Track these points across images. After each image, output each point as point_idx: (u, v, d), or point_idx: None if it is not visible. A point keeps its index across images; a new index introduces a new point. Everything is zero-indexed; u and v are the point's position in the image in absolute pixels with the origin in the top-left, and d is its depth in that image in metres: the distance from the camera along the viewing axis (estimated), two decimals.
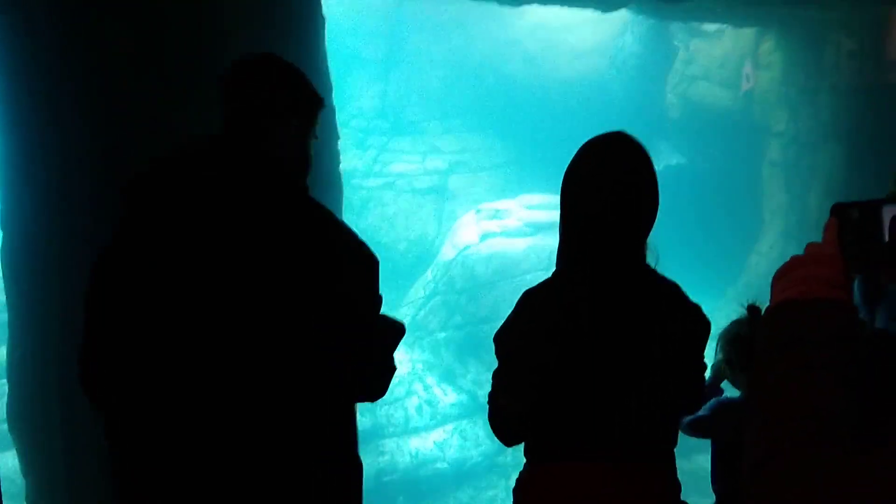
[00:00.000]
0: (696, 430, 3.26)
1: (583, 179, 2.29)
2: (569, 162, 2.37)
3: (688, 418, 3.17)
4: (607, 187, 2.25)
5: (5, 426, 4.64)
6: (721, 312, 13.65)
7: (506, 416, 2.28)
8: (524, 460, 2.42)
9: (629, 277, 2.28)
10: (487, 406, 2.39)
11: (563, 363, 2.20)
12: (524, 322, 2.27)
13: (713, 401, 3.27)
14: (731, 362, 3.17)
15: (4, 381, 4.57)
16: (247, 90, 2.11)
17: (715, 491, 3.23)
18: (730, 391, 3.36)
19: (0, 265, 4.43)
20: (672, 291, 2.33)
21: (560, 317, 2.21)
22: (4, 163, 4.23)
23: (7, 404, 4.51)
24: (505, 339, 2.30)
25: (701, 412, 3.24)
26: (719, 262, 13.19)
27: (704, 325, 2.36)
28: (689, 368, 2.36)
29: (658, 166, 2.36)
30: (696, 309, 2.35)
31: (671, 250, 2.47)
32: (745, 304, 3.05)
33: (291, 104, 2.15)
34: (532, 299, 2.29)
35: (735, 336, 3.20)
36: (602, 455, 2.23)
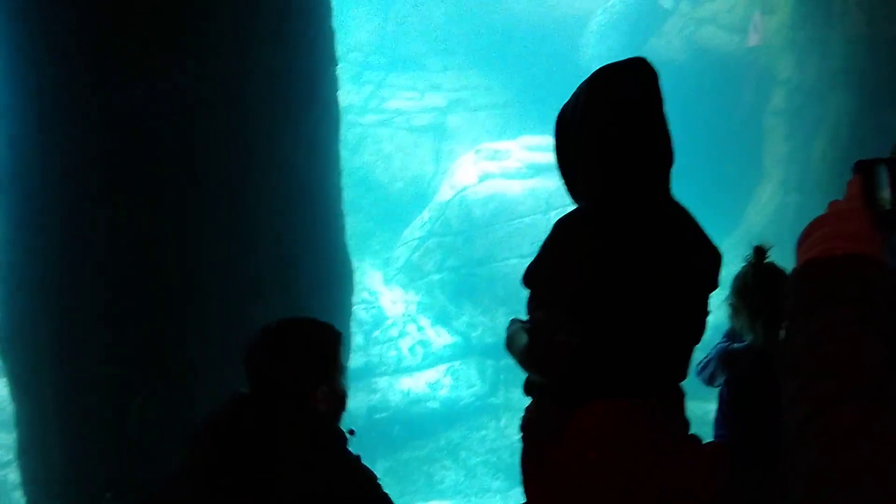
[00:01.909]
0: (700, 374, 3.25)
1: (617, 103, 2.22)
2: (585, 88, 2.28)
3: (698, 368, 3.17)
4: (646, 112, 2.20)
5: None
6: None
7: (562, 353, 2.18)
8: (517, 401, 2.38)
9: (663, 206, 2.24)
10: (515, 344, 2.32)
11: (607, 294, 2.15)
12: (562, 251, 2.20)
13: (718, 346, 3.24)
14: (736, 308, 3.15)
15: None
16: (274, 372, 2.20)
17: (718, 436, 3.22)
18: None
19: None
20: (693, 221, 2.30)
21: (603, 246, 2.15)
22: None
23: None
24: (541, 272, 2.23)
25: (706, 357, 3.22)
26: (716, 212, 13.10)
27: (718, 256, 2.35)
28: (706, 300, 2.32)
29: None
30: (709, 238, 2.34)
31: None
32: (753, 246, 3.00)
33: (321, 374, 2.23)
34: (568, 228, 2.22)
35: (735, 282, 3.17)
36: (643, 389, 2.22)
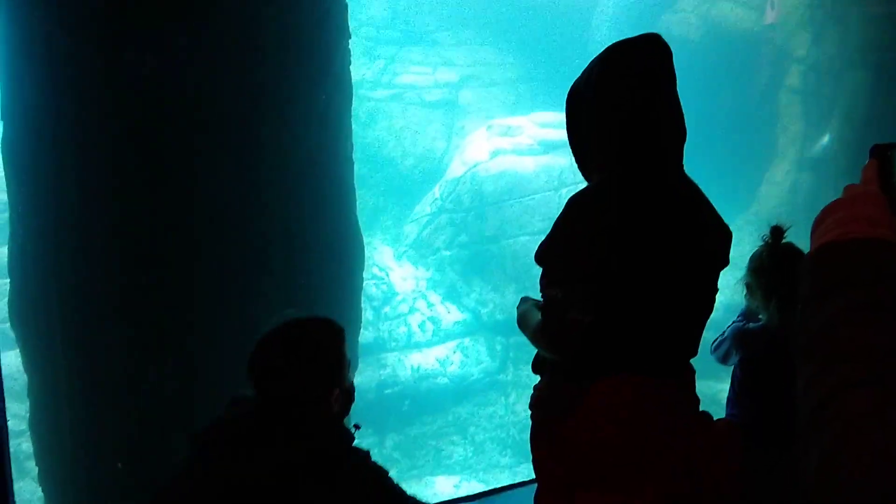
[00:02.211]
0: (715, 353, 3.25)
1: (631, 80, 2.20)
2: (598, 64, 2.26)
3: (712, 344, 3.17)
4: (659, 88, 2.19)
5: (7, 325, 4.61)
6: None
7: (576, 330, 2.18)
8: (526, 378, 2.39)
9: (675, 182, 2.23)
10: (527, 322, 2.32)
11: (620, 269, 2.14)
12: (576, 228, 2.19)
13: (730, 327, 3.24)
14: (751, 287, 3.14)
15: (6, 280, 4.51)
16: (286, 384, 2.14)
17: (730, 415, 3.22)
18: None
19: (1, 159, 4.34)
20: (705, 198, 2.30)
21: (616, 223, 2.14)
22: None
23: (8, 302, 4.48)
24: (554, 249, 2.22)
25: (721, 336, 3.22)
26: (730, 190, 13.04)
27: (728, 232, 2.35)
28: (717, 278, 2.32)
29: None
30: (720, 216, 2.35)
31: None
32: (770, 225, 2.99)
33: (332, 378, 2.18)
34: (582, 206, 2.21)
35: (751, 262, 3.16)
36: (654, 367, 2.22)
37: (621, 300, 2.19)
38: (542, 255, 2.25)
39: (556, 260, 2.24)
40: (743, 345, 3.16)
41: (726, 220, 2.46)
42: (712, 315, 2.46)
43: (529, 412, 2.44)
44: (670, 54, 2.24)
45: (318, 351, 2.18)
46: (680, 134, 2.27)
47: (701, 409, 2.49)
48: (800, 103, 12.54)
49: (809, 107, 12.29)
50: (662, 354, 2.26)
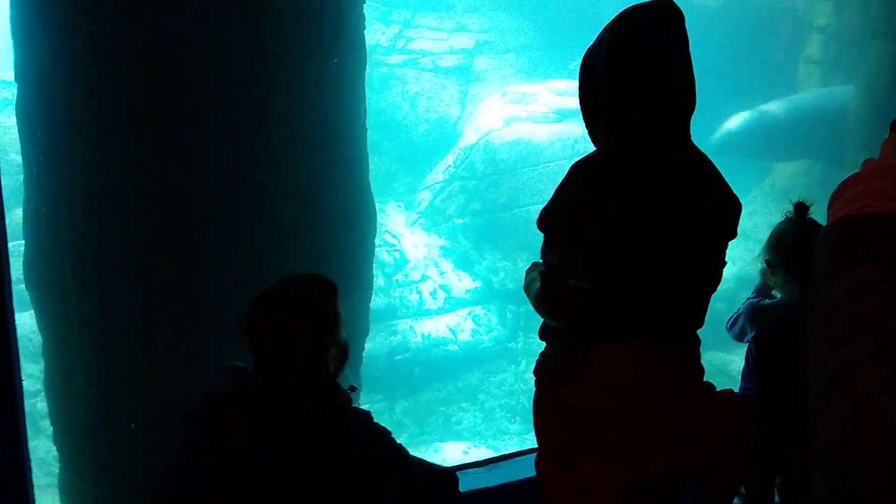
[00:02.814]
0: (731, 329, 3.25)
1: (642, 50, 2.18)
2: (609, 31, 2.24)
3: (728, 321, 3.18)
4: (672, 58, 2.17)
5: (22, 286, 4.64)
6: (745, 211, 13.48)
7: (574, 297, 2.17)
8: (536, 346, 2.41)
9: (684, 152, 2.23)
10: (531, 288, 2.33)
11: (626, 240, 2.14)
12: (582, 196, 2.18)
13: (745, 303, 3.23)
14: (772, 264, 3.13)
15: (22, 241, 4.53)
16: (289, 343, 2.11)
17: (743, 389, 3.22)
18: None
19: (16, 121, 4.35)
20: (714, 168, 2.30)
21: (622, 191, 2.13)
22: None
23: (24, 264, 4.51)
24: (558, 215, 2.21)
25: (736, 312, 3.22)
26: (745, 162, 12.94)
27: (737, 203, 2.34)
28: (725, 248, 2.33)
29: None
30: (729, 187, 2.34)
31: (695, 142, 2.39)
32: (793, 202, 2.97)
33: (331, 337, 2.15)
34: (588, 173, 2.20)
35: (773, 238, 3.14)
36: (659, 335, 2.23)
37: (624, 269, 2.20)
38: (544, 221, 2.25)
39: (558, 226, 2.24)
40: (758, 321, 3.16)
41: (740, 193, 2.45)
42: (725, 287, 2.46)
43: (535, 379, 2.46)
44: (683, 20, 2.21)
45: (316, 307, 2.15)
46: (690, 104, 2.25)
47: (710, 379, 2.50)
48: (819, 74, 12.39)
49: (829, 78, 12.14)
50: (665, 323, 2.26)
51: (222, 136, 3.81)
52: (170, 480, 2.12)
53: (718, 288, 2.42)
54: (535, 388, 2.44)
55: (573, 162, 2.28)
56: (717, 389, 2.44)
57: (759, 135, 12.36)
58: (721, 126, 12.26)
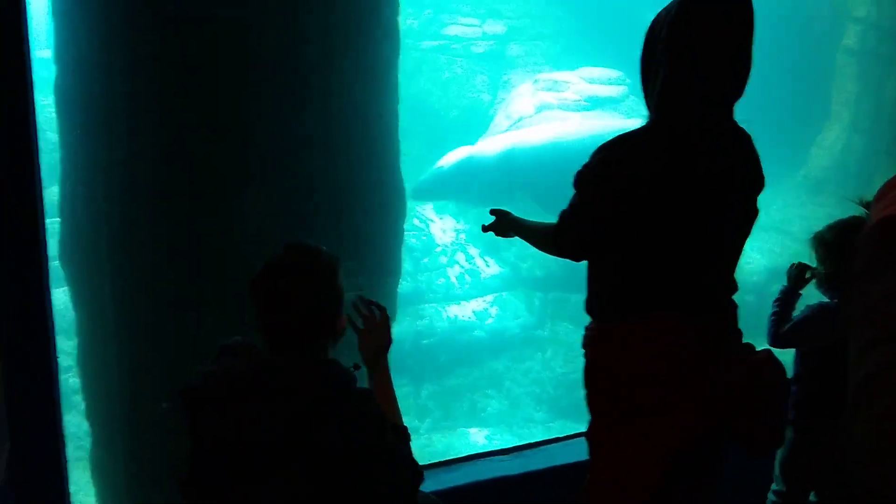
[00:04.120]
0: (797, 334, 3.20)
1: (709, 27, 2.23)
2: (679, 4, 2.27)
3: (785, 327, 3.16)
4: (736, 40, 2.24)
5: (57, 262, 4.72)
6: (776, 204, 13.35)
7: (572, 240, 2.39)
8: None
9: (728, 127, 2.32)
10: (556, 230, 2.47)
11: (666, 210, 2.23)
12: (626, 163, 2.25)
13: (814, 305, 3.22)
14: (824, 263, 3.12)
15: (57, 219, 4.61)
16: (282, 310, 2.12)
17: (796, 375, 3.22)
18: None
19: (54, 101, 4.41)
20: (752, 145, 2.40)
21: (668, 162, 2.21)
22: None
23: (59, 241, 4.58)
24: (595, 177, 2.29)
25: (802, 316, 3.19)
26: (779, 152, 12.75)
27: (763, 178, 2.45)
28: (754, 220, 2.44)
29: None
30: (761, 166, 2.46)
31: None
32: (859, 201, 2.93)
33: (334, 309, 2.17)
34: (632, 142, 2.28)
35: (819, 239, 3.13)
36: (697, 303, 2.34)
37: (666, 239, 2.29)
38: (580, 179, 2.35)
39: (590, 185, 2.33)
40: (826, 321, 3.13)
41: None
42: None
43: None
44: (751, 5, 2.28)
45: (318, 277, 2.16)
46: (742, 89, 2.34)
47: None
48: (856, 64, 12.18)
49: (866, 68, 11.94)
50: (705, 291, 2.36)
51: (258, 119, 3.85)
52: (197, 468, 2.14)
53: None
54: (584, 363, 2.54)
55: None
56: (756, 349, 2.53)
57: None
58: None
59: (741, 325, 2.74)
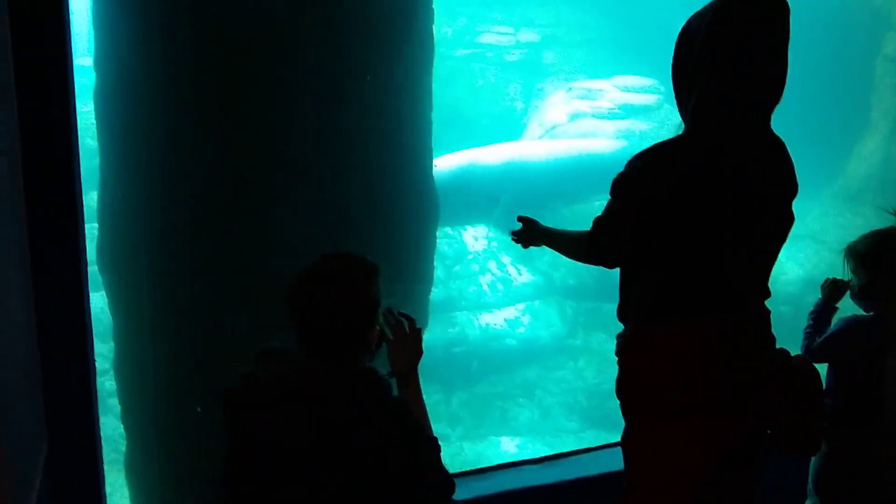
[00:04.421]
0: (830, 348, 3.17)
1: (748, 34, 2.22)
2: (716, 9, 2.26)
3: (818, 340, 3.14)
4: (775, 46, 2.23)
5: (94, 267, 4.78)
6: (813, 214, 13.15)
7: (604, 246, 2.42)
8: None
9: (765, 135, 2.32)
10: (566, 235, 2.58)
11: (704, 217, 2.24)
12: (661, 178, 2.25)
13: (847, 318, 3.18)
14: (857, 274, 3.09)
15: (96, 224, 4.67)
16: (319, 318, 2.14)
17: (828, 388, 3.19)
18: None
19: (94, 108, 4.48)
20: (788, 153, 2.40)
21: (702, 171, 2.21)
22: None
23: (97, 246, 4.64)
24: (632, 182, 2.29)
25: (834, 330, 3.16)
26: (817, 161, 12.59)
27: (796, 185, 2.47)
28: (790, 227, 2.46)
29: None
30: (795, 174, 2.47)
31: None
32: (895, 212, 2.90)
33: (369, 317, 2.19)
34: (670, 149, 2.29)
35: (853, 250, 3.10)
36: (733, 307, 2.34)
37: (697, 248, 2.30)
38: (614, 187, 2.36)
39: (628, 190, 2.34)
40: (860, 335, 3.10)
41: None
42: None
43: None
44: (788, 12, 2.27)
45: (354, 286, 2.17)
46: (779, 95, 2.33)
47: None
48: None
49: None
50: (740, 295, 2.37)
51: (294, 125, 3.88)
52: (235, 473, 2.16)
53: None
54: (619, 370, 2.53)
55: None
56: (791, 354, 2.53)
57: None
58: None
59: (777, 335, 2.72)
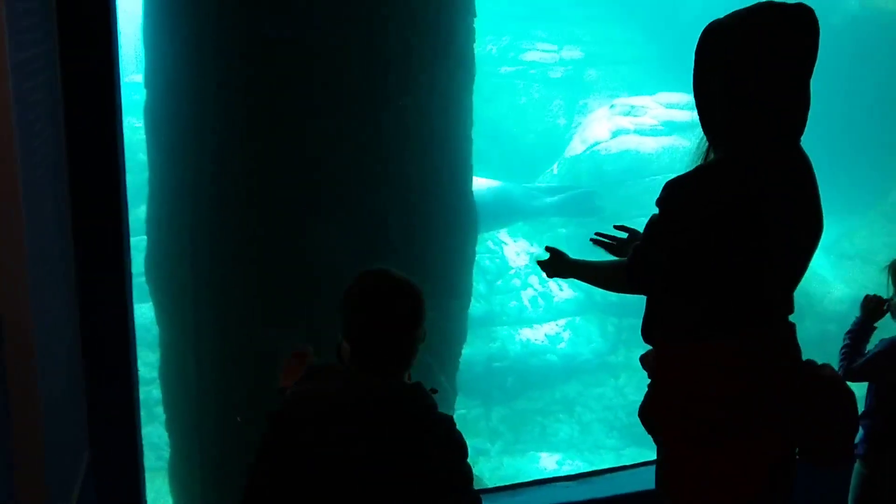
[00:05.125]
0: (870, 369, 3.14)
1: (779, 54, 2.20)
2: (746, 30, 2.24)
3: (859, 361, 3.11)
4: (802, 67, 2.22)
5: (143, 278, 4.89)
6: (862, 233, 12.88)
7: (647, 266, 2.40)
8: (637, 361, 2.53)
9: (795, 158, 2.31)
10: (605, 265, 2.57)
11: (739, 240, 2.24)
12: (703, 195, 2.27)
13: (889, 339, 3.15)
14: None
15: (144, 237, 4.78)
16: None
17: (861, 425, 3.14)
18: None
19: (144, 123, 4.60)
20: (814, 174, 2.37)
21: (748, 198, 2.22)
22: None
23: (145, 258, 4.75)
24: (676, 211, 2.30)
25: (876, 350, 3.13)
26: (864, 181, 12.39)
27: (818, 195, 2.42)
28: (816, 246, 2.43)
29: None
30: (818, 196, 2.42)
31: (813, 160, 2.40)
32: None
33: (418, 335, 2.19)
34: (705, 176, 2.30)
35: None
36: (763, 323, 2.34)
37: (731, 270, 2.30)
38: (665, 202, 2.36)
39: (674, 206, 2.34)
40: None
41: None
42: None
43: (641, 394, 2.56)
44: (818, 32, 2.25)
45: (412, 305, 2.18)
46: (807, 115, 2.32)
47: None
48: None
49: None
50: (770, 312, 2.38)
51: (336, 142, 3.95)
52: (258, 480, 2.18)
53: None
54: (647, 391, 2.52)
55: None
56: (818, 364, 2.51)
57: None
58: None
59: (824, 353, 2.72)
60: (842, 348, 3.20)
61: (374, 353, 2.15)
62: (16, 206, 1.68)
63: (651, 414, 2.50)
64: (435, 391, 2.24)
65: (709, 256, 2.28)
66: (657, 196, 2.37)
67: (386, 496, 2.08)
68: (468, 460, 2.25)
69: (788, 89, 2.24)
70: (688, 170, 2.37)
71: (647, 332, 2.49)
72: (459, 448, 2.18)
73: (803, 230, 2.36)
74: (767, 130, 2.26)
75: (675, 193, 2.33)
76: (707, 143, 2.42)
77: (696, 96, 2.39)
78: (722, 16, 2.31)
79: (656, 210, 2.39)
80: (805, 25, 2.20)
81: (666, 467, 2.50)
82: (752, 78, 2.22)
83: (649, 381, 2.52)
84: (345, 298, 2.19)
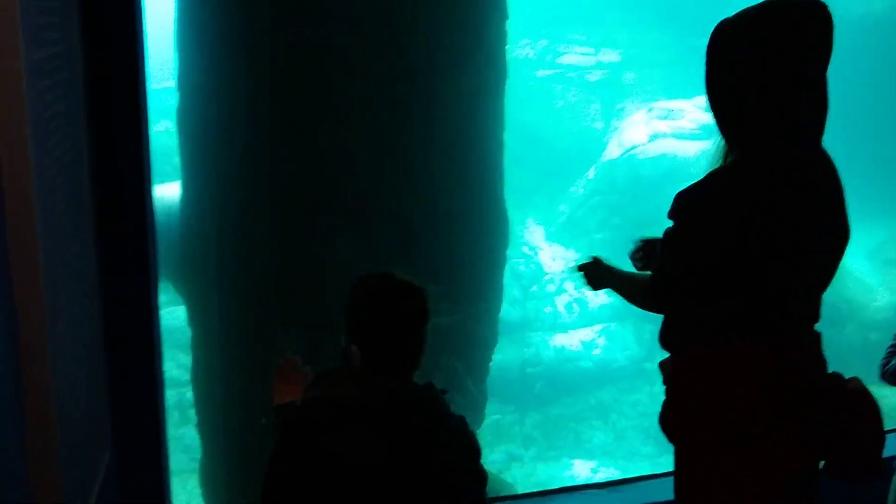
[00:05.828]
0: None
1: (786, 52, 2.14)
2: (762, 30, 2.19)
3: (892, 365, 3.04)
4: (819, 64, 2.16)
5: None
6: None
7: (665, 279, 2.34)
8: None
9: (815, 159, 2.24)
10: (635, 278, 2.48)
11: (761, 247, 2.18)
12: (713, 203, 2.21)
13: None
14: None
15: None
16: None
17: None
18: None
19: (176, 126, 4.64)
20: (832, 161, 2.28)
21: (759, 201, 2.16)
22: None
23: (177, 260, 4.79)
24: (701, 205, 2.26)
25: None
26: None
27: (843, 195, 2.36)
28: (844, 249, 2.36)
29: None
30: (843, 194, 2.35)
31: (839, 161, 2.34)
32: None
33: (424, 337, 2.17)
34: (723, 182, 2.24)
35: None
36: (787, 331, 2.26)
37: (753, 277, 2.25)
38: (679, 206, 2.32)
39: (690, 212, 2.29)
40: None
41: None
42: (882, 316, 2.48)
43: (665, 388, 2.52)
44: (832, 28, 2.19)
45: (416, 304, 2.17)
46: (822, 116, 2.25)
47: None
48: None
49: None
50: (794, 320, 2.31)
51: (363, 144, 3.95)
52: (274, 486, 2.18)
53: (874, 318, 2.45)
54: (665, 400, 2.47)
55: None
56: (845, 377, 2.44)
57: None
58: None
59: (864, 363, 2.64)
60: (888, 347, 3.12)
61: (384, 354, 2.16)
62: (28, 204, 1.68)
63: (669, 420, 2.47)
64: (445, 392, 2.24)
65: (723, 262, 2.23)
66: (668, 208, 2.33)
67: (402, 496, 2.07)
68: (481, 461, 2.24)
69: (796, 88, 2.17)
70: (707, 172, 2.32)
71: (665, 339, 2.46)
72: (472, 448, 2.17)
73: (821, 233, 2.28)
74: (776, 131, 2.20)
75: (686, 204, 2.28)
76: (724, 145, 2.37)
77: (708, 96, 2.34)
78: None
79: (670, 223, 2.34)
80: (816, 22, 2.14)
81: (682, 474, 2.46)
82: (760, 77, 2.17)
83: (665, 387, 2.48)
84: (350, 302, 2.20)
